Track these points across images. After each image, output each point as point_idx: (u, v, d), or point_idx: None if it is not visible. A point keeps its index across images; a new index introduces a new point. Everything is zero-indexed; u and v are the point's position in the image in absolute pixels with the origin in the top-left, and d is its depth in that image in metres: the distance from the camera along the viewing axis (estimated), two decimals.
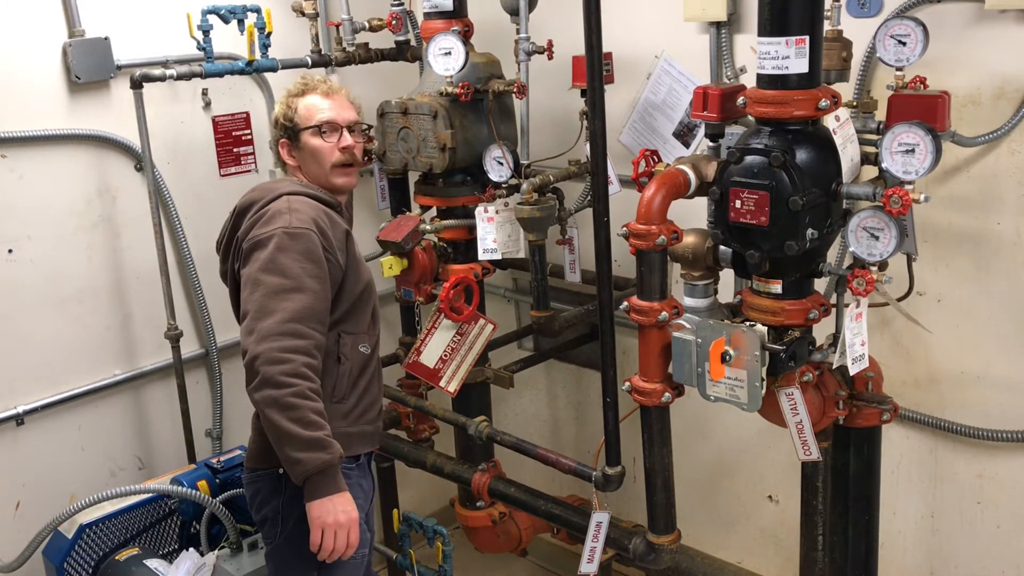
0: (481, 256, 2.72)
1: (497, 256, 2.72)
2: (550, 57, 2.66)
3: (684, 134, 2.89)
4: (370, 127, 2.47)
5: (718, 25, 2.70)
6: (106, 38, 2.82)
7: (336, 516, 2.02)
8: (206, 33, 2.80)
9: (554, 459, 2.46)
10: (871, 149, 1.94)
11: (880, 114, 2.03)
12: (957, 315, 2.49)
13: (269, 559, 2.25)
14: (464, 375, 2.80)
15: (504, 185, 2.67)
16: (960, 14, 2.29)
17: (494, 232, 2.68)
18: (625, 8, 2.89)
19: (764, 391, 1.93)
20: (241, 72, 2.90)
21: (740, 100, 1.96)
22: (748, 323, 1.95)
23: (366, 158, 3.04)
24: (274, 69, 2.91)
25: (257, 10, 2.89)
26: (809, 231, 1.87)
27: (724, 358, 1.93)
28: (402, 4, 2.97)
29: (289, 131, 2.30)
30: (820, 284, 2.10)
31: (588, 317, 2.91)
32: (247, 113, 3.22)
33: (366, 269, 2.30)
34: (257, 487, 2.23)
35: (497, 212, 2.67)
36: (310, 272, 2.06)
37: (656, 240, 1.96)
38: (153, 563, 2.54)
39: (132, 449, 3.11)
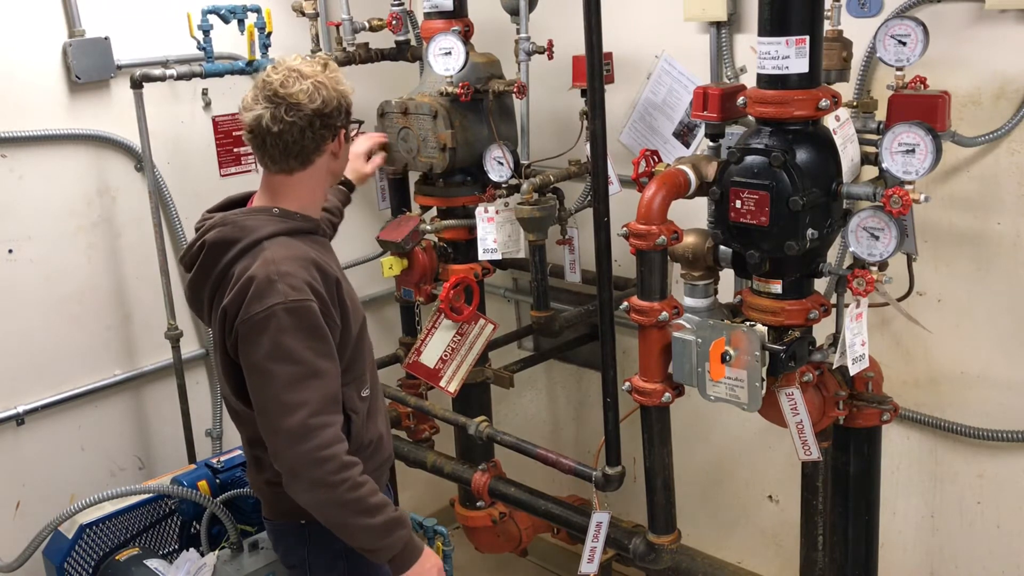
0: (481, 256, 2.72)
1: (497, 256, 2.71)
2: (550, 57, 2.66)
3: (684, 134, 2.89)
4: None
5: (718, 25, 2.70)
6: (106, 38, 2.82)
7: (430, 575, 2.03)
8: (206, 33, 2.80)
9: (554, 459, 2.46)
10: (871, 149, 1.94)
11: (880, 114, 2.03)
12: (957, 315, 2.49)
13: None
14: (464, 375, 2.80)
15: (504, 185, 2.67)
16: (960, 14, 2.29)
17: (494, 232, 2.68)
18: (625, 8, 2.89)
19: (764, 391, 1.93)
20: (241, 72, 2.90)
21: (740, 100, 1.96)
22: (748, 323, 1.95)
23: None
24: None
25: (257, 10, 2.89)
26: (809, 231, 1.87)
27: (724, 358, 1.93)
28: (402, 4, 2.97)
29: (347, 118, 2.01)
30: (820, 284, 2.10)
31: (588, 317, 2.90)
32: None
33: (358, 305, 2.10)
34: (278, 537, 2.19)
35: (497, 212, 2.67)
36: (318, 351, 1.89)
37: (656, 240, 1.96)
38: (153, 563, 2.53)
39: (132, 449, 3.11)
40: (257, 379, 1.90)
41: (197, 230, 2.04)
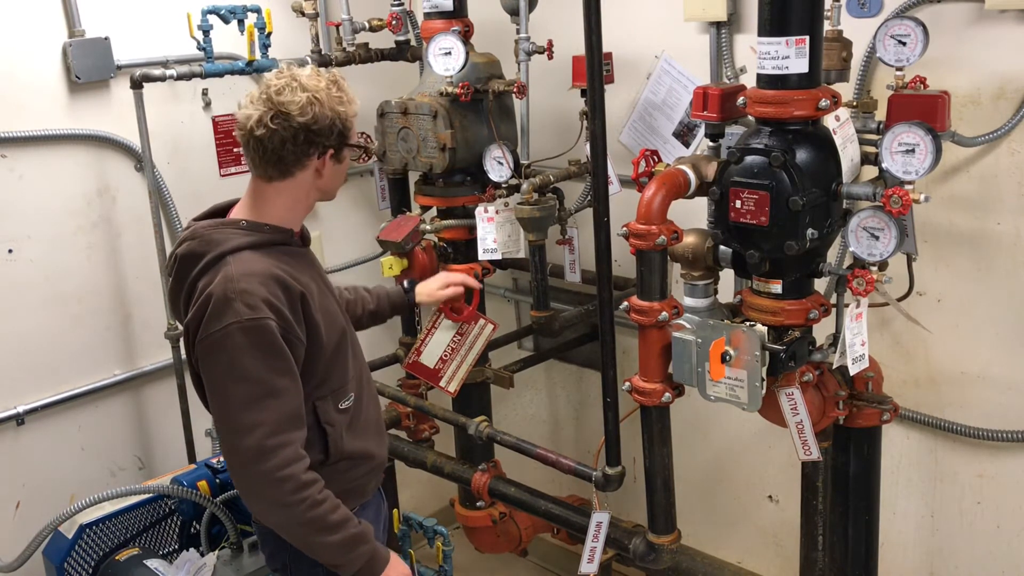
0: (481, 256, 2.72)
1: (497, 256, 2.71)
2: (550, 57, 2.66)
3: (684, 134, 2.89)
4: None
5: (718, 25, 2.70)
6: (106, 38, 2.82)
7: None
8: (206, 33, 2.80)
9: (554, 459, 2.46)
10: (871, 149, 1.94)
11: (880, 114, 2.03)
12: (957, 315, 2.49)
13: None
14: (464, 375, 2.79)
15: (504, 185, 2.67)
16: (960, 14, 2.29)
17: (494, 232, 2.68)
18: (625, 8, 2.89)
19: (764, 391, 1.93)
20: (241, 72, 2.90)
21: (740, 100, 1.96)
22: (748, 323, 1.95)
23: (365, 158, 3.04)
24: (274, 69, 2.91)
25: (257, 10, 2.89)
26: (809, 231, 1.87)
27: (724, 358, 1.93)
28: (402, 4, 2.97)
29: (341, 140, 1.95)
30: (820, 284, 2.10)
31: (588, 317, 2.90)
32: None
33: (335, 317, 2.06)
34: (263, 540, 2.19)
35: (497, 212, 2.67)
36: (277, 369, 1.86)
37: (656, 240, 1.96)
38: (153, 563, 2.53)
39: (132, 449, 3.11)
40: (215, 398, 1.90)
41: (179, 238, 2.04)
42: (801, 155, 1.87)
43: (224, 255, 1.91)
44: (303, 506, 1.87)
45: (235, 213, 2.03)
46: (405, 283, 2.54)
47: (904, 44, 1.92)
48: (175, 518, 2.77)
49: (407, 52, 3.07)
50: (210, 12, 2.80)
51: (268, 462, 1.84)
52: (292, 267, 1.96)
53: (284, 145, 1.89)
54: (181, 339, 2.90)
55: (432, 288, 2.52)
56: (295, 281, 1.93)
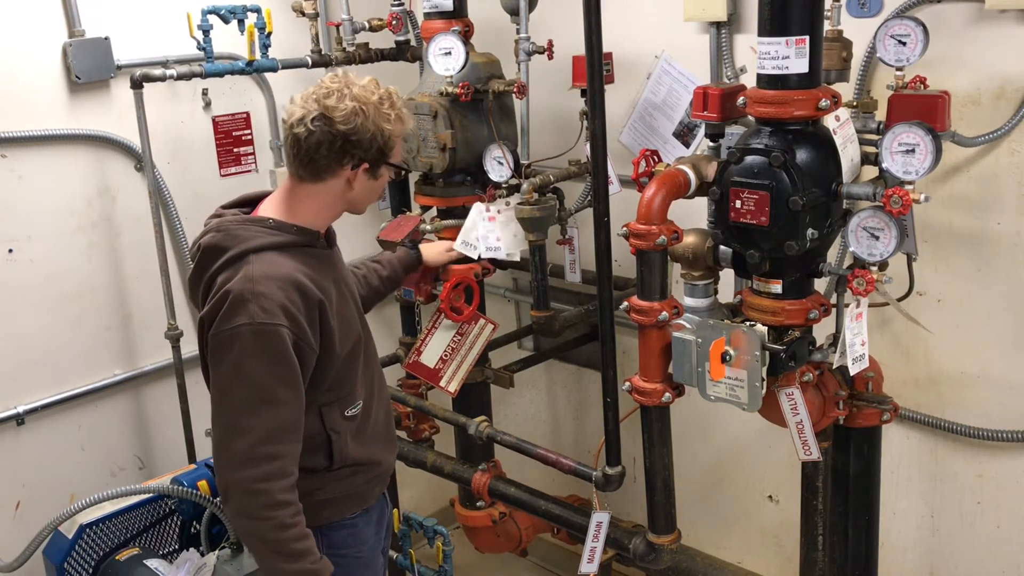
0: (483, 254, 2.72)
1: (501, 255, 2.71)
2: (550, 57, 2.66)
3: (684, 134, 2.89)
4: None
5: (718, 25, 2.70)
6: (106, 38, 2.83)
7: None
8: (206, 33, 2.80)
9: (554, 459, 2.46)
10: (871, 149, 1.94)
11: (880, 114, 2.04)
12: (957, 315, 2.49)
13: None
14: (464, 375, 2.80)
15: (504, 185, 2.67)
16: (960, 14, 2.29)
17: (496, 232, 2.68)
18: (625, 8, 2.89)
19: (764, 391, 1.93)
20: (241, 72, 2.90)
21: (740, 100, 1.96)
22: (748, 323, 1.95)
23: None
24: (274, 69, 2.91)
25: (257, 10, 2.89)
26: (809, 231, 1.87)
27: (724, 358, 1.93)
28: (402, 4, 2.97)
29: (380, 156, 1.95)
30: (820, 284, 2.10)
31: (588, 317, 2.90)
32: (247, 113, 3.22)
33: (351, 324, 2.04)
34: None
35: (498, 212, 2.67)
36: (281, 377, 1.85)
37: (656, 240, 1.96)
38: (153, 563, 2.53)
39: (132, 449, 3.11)
40: (215, 395, 1.90)
41: (205, 225, 2.03)
42: (801, 155, 1.87)
43: (247, 253, 1.90)
44: (269, 524, 1.85)
45: (264, 208, 2.01)
46: (407, 243, 2.63)
47: (904, 44, 1.92)
48: (175, 518, 2.77)
49: (407, 52, 3.07)
50: (210, 12, 2.80)
51: (249, 470, 1.84)
52: (315, 270, 1.95)
53: (319, 148, 1.89)
54: (181, 338, 2.98)
55: (440, 250, 2.67)
56: (316, 287, 1.92)
